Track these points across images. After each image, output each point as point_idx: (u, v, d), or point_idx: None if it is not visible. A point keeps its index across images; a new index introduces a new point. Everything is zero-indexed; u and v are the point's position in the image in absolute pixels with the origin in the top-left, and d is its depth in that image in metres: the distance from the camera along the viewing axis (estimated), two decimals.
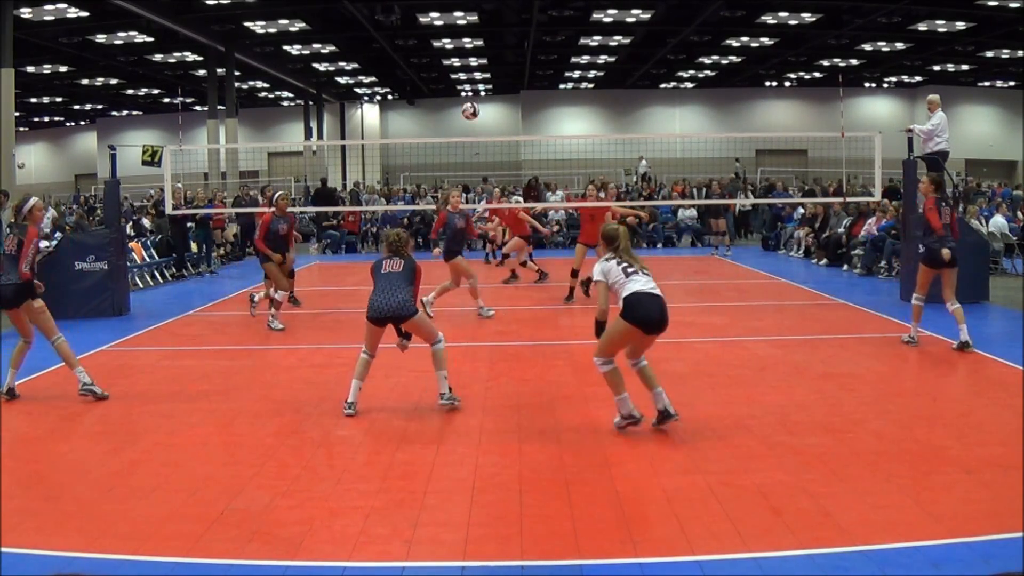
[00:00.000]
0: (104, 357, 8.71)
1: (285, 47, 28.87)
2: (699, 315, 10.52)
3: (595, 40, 28.91)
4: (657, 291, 5.68)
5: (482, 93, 40.89)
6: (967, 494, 4.53)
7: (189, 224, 16.28)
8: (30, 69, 28.93)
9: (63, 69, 30.09)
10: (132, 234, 15.88)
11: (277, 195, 10.83)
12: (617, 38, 28.59)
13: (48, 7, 21.58)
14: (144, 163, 12.39)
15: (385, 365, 8.14)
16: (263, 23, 25.34)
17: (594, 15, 24.82)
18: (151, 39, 25.81)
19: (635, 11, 24.62)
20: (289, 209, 12.10)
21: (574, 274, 11.61)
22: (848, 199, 15.39)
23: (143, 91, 36.90)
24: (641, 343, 5.76)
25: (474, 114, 14.10)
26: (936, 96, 11.99)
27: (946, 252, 8.08)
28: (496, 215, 16.83)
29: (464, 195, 23.51)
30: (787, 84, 38.37)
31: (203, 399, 6.85)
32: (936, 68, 34.18)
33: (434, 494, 4.66)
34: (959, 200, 13.28)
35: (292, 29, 25.94)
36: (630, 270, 5.74)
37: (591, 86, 38.72)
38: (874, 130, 12.42)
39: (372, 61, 31.80)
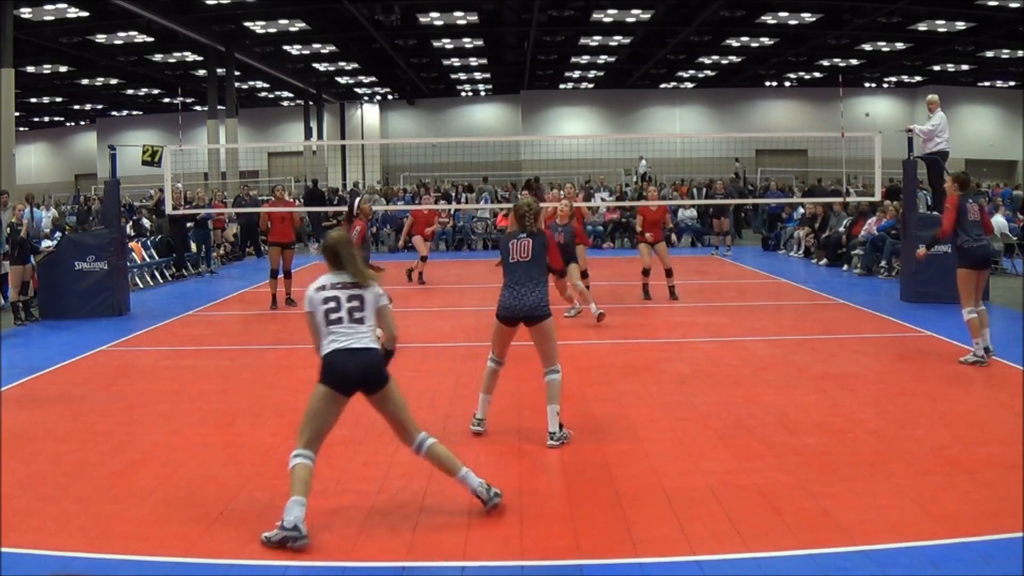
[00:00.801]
0: (104, 357, 8.71)
1: (285, 47, 28.87)
2: (699, 315, 10.53)
3: (595, 40, 28.91)
4: (362, 344, 4.30)
5: (482, 93, 40.90)
6: (967, 494, 4.53)
7: (188, 224, 16.28)
8: (30, 69, 28.91)
9: (63, 69, 30.08)
10: (132, 234, 15.89)
11: (359, 200, 10.30)
12: (617, 38, 28.59)
13: (48, 7, 21.56)
14: (144, 163, 12.39)
15: None
16: (263, 23, 25.32)
17: (594, 15, 24.81)
18: (151, 39, 25.81)
19: (635, 11, 24.61)
20: (285, 209, 12.15)
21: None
22: (848, 200, 15.40)
23: (143, 91, 36.89)
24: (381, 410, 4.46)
25: None
26: (936, 96, 12.00)
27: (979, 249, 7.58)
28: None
29: (466, 195, 23.58)
30: (787, 84, 38.36)
31: (203, 399, 6.85)
32: (936, 68, 34.17)
33: (434, 494, 4.66)
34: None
35: (292, 29, 25.93)
36: (334, 314, 4.31)
37: (591, 86, 38.71)
38: (874, 130, 12.41)
39: (372, 61, 31.79)
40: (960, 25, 25.53)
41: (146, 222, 17.52)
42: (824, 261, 15.97)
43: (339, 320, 4.33)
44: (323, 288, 4.38)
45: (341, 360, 4.27)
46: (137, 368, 8.18)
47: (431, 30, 26.55)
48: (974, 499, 4.46)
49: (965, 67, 33.27)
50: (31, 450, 5.57)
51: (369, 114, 41.21)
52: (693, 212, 21.35)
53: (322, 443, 4.31)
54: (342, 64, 32.74)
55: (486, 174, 27.86)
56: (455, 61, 32.70)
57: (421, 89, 38.31)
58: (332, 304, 4.34)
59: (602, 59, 32.71)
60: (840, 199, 15.90)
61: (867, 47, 29.73)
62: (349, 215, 10.15)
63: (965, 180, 7.85)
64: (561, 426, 5.49)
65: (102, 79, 33.12)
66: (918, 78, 36.65)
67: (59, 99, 37.31)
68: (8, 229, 11.21)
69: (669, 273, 11.46)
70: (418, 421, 6.12)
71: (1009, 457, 5.05)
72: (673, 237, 13.27)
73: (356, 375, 4.30)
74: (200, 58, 28.80)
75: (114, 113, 42.48)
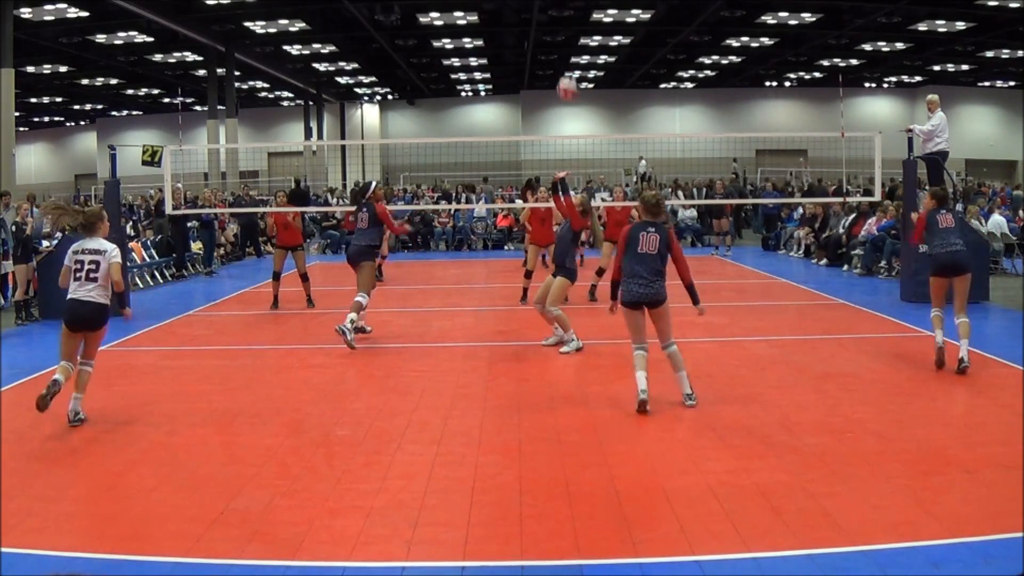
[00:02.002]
0: (104, 357, 8.66)
1: (285, 47, 28.88)
2: (699, 315, 10.51)
3: (595, 40, 28.92)
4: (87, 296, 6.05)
5: (482, 93, 40.91)
6: (967, 494, 4.53)
7: (190, 224, 16.28)
8: (30, 69, 28.92)
9: (63, 69, 30.09)
10: (132, 234, 15.89)
11: (375, 185, 10.29)
12: (617, 38, 28.60)
13: (48, 7, 21.57)
14: (144, 163, 12.40)
15: (385, 365, 8.15)
16: (263, 23, 25.34)
17: (594, 15, 24.82)
18: (151, 39, 25.81)
19: (635, 11, 24.62)
20: (282, 208, 12.15)
21: (528, 275, 11.62)
22: (848, 199, 15.40)
23: (143, 91, 36.90)
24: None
25: (573, 93, 10.47)
26: (936, 96, 11.99)
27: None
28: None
29: (466, 195, 23.56)
30: (787, 84, 38.37)
31: (203, 399, 6.85)
32: (936, 68, 34.18)
33: (434, 494, 4.66)
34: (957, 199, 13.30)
35: (292, 29, 25.94)
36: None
37: (591, 86, 38.70)
38: (874, 130, 12.42)
39: (372, 61, 31.80)
40: (960, 25, 25.54)
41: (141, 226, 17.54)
42: (824, 261, 15.97)
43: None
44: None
45: None
46: (137, 368, 8.18)
47: (431, 30, 26.56)
48: (974, 499, 4.46)
49: (965, 67, 33.28)
50: (31, 450, 5.57)
51: (369, 114, 41.22)
52: (693, 212, 21.34)
53: None
54: (342, 64, 32.75)
55: (486, 174, 27.87)
56: (455, 61, 32.71)
57: (421, 89, 38.32)
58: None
59: (602, 59, 32.71)
60: (841, 199, 15.90)
61: (867, 47, 29.74)
62: (358, 198, 10.42)
63: (943, 197, 8.02)
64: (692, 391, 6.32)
65: (102, 79, 33.13)
66: (918, 78, 36.66)
67: (59, 99, 37.31)
68: (14, 227, 11.23)
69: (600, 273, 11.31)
70: (419, 421, 6.15)
71: (1009, 457, 5.04)
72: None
73: None
74: (200, 58, 28.81)
75: (114, 113, 42.48)
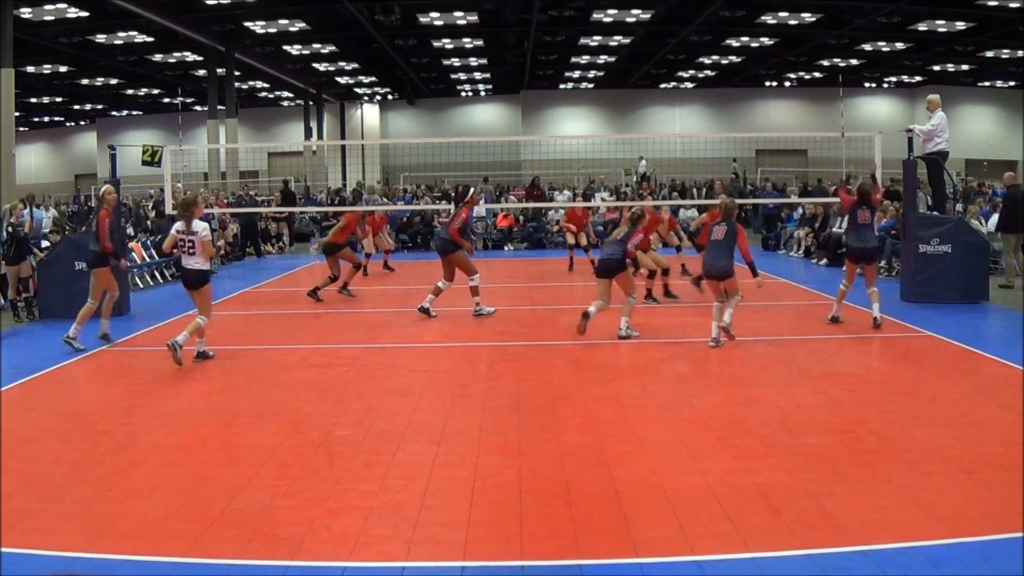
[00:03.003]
0: (104, 357, 8.71)
1: (285, 47, 28.87)
2: (699, 315, 10.51)
3: (595, 40, 28.90)
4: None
5: (482, 93, 40.91)
6: (967, 494, 4.53)
7: None
8: (30, 69, 28.92)
9: (63, 69, 30.08)
10: (132, 234, 15.88)
11: (473, 190, 11.15)
12: (617, 38, 28.58)
13: (48, 7, 21.56)
14: (144, 163, 12.41)
15: (385, 365, 8.16)
16: (263, 23, 25.32)
17: (594, 15, 24.80)
18: (151, 39, 25.81)
19: (635, 11, 24.60)
20: (281, 208, 12.12)
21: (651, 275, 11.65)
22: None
23: (143, 91, 36.89)
24: None
25: None
26: (936, 96, 11.99)
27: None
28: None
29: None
30: (787, 84, 38.36)
31: (203, 399, 6.85)
32: (936, 68, 34.17)
33: (434, 494, 4.66)
34: (957, 198, 13.38)
35: (292, 29, 25.93)
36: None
37: (591, 86, 38.71)
38: (874, 130, 12.42)
39: (372, 61, 31.79)
40: (960, 25, 25.53)
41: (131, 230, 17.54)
42: (824, 261, 15.96)
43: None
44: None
45: None
46: (137, 368, 8.18)
47: (431, 30, 26.55)
48: (974, 499, 4.46)
49: (965, 67, 33.27)
50: (31, 450, 5.57)
51: (369, 114, 41.22)
52: (694, 213, 21.31)
53: None
54: (342, 64, 32.74)
55: (486, 174, 27.86)
56: (455, 61, 32.70)
57: (421, 89, 38.32)
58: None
59: (602, 59, 32.70)
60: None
61: (867, 47, 29.73)
62: (459, 199, 11.30)
63: (865, 193, 9.52)
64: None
65: (102, 79, 33.13)
66: (918, 78, 36.65)
67: (59, 99, 37.31)
68: (11, 228, 11.25)
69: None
70: (419, 421, 6.16)
71: (1009, 457, 5.05)
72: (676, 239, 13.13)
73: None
74: (200, 58, 28.80)
75: (114, 113, 42.48)
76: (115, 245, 9.27)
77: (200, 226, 8.07)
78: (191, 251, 8.07)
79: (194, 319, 8.21)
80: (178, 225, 8.19)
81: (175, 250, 8.47)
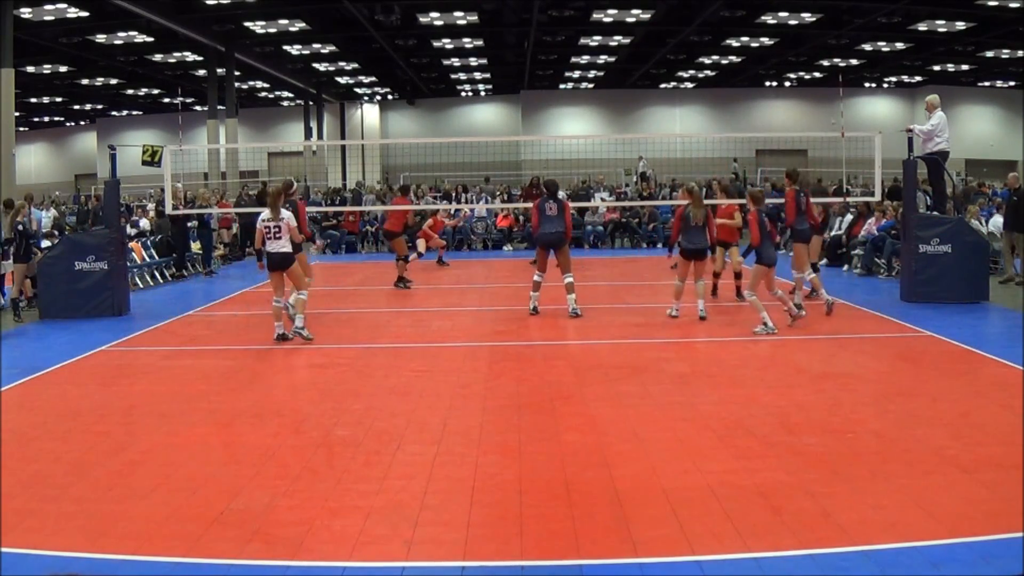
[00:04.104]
0: (104, 357, 8.71)
1: (285, 47, 28.88)
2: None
3: (595, 40, 28.91)
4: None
5: (482, 93, 40.91)
6: (967, 494, 4.53)
7: (190, 224, 16.28)
8: (30, 69, 28.92)
9: (63, 69, 30.09)
10: (131, 234, 15.88)
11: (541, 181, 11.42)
12: (617, 38, 28.59)
13: (48, 7, 21.57)
14: (144, 163, 12.39)
15: (384, 365, 8.16)
16: (263, 23, 25.34)
17: (594, 15, 24.81)
18: (151, 39, 25.82)
19: (635, 11, 24.62)
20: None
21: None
22: (848, 199, 15.40)
23: (143, 91, 36.91)
24: None
25: None
26: (934, 96, 11.99)
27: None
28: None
29: (464, 195, 23.58)
30: (787, 84, 38.37)
31: (203, 399, 6.85)
32: (936, 68, 34.18)
33: (434, 494, 4.66)
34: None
35: (292, 29, 25.94)
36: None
37: (591, 86, 38.71)
38: (874, 130, 12.42)
39: (372, 61, 31.80)
40: (960, 25, 25.54)
41: (145, 222, 17.52)
42: (824, 261, 15.95)
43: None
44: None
45: None
46: (137, 368, 8.18)
47: (431, 30, 26.55)
48: (974, 499, 4.46)
49: (965, 67, 33.28)
50: (31, 450, 5.57)
51: (369, 114, 41.22)
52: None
53: None
54: (342, 64, 32.75)
55: (488, 174, 27.83)
56: (455, 61, 32.70)
57: (421, 89, 38.32)
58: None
59: (602, 59, 32.71)
60: (840, 199, 15.90)
61: (867, 47, 29.74)
62: (554, 193, 11.08)
63: (794, 174, 10.56)
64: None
65: (102, 79, 33.13)
66: (918, 78, 36.66)
67: (59, 99, 37.32)
68: (21, 226, 11.30)
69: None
70: (418, 421, 6.16)
71: (1009, 457, 5.05)
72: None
73: None
74: (200, 58, 28.81)
75: (114, 113, 42.49)
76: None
77: (285, 214, 8.94)
78: (277, 235, 8.81)
79: (296, 296, 9.00)
80: (264, 214, 8.96)
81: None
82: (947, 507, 4.35)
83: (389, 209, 15.16)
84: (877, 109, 36.93)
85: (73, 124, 44.46)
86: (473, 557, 3.89)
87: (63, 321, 10.78)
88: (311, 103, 37.98)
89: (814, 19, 25.30)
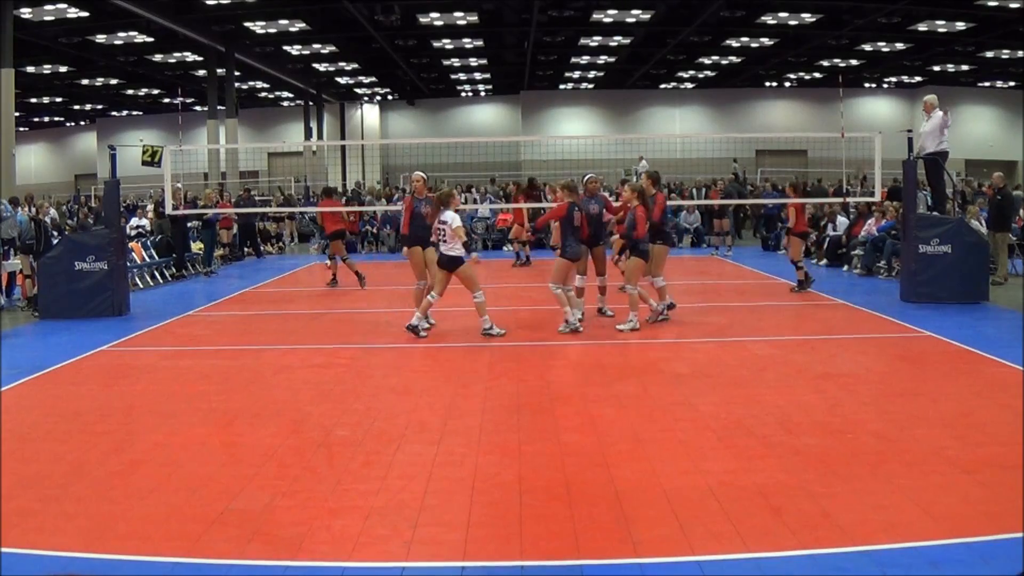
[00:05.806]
0: (104, 357, 8.71)
1: (285, 47, 28.87)
2: (699, 315, 10.52)
3: (595, 40, 28.91)
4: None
5: (482, 93, 40.90)
6: (966, 494, 4.53)
7: (190, 224, 16.28)
8: (30, 69, 28.92)
9: (63, 69, 30.09)
10: (131, 234, 15.89)
11: (588, 178, 11.00)
12: (617, 38, 28.59)
13: (48, 7, 21.57)
14: (144, 163, 12.40)
15: (384, 365, 8.16)
16: (263, 23, 25.33)
17: (594, 15, 24.81)
18: (151, 39, 25.80)
19: (635, 11, 24.62)
20: (283, 208, 12.12)
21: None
22: (848, 199, 15.40)
23: (143, 91, 36.90)
24: None
25: None
26: (933, 96, 12.01)
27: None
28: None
29: (466, 195, 23.59)
30: (787, 84, 38.37)
31: (203, 399, 6.85)
32: (936, 68, 34.17)
33: (434, 494, 4.66)
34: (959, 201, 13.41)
35: (292, 29, 25.94)
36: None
37: (591, 86, 38.71)
38: (874, 130, 12.42)
39: (372, 61, 31.80)
40: (960, 25, 25.54)
41: (144, 222, 17.53)
42: (824, 261, 15.97)
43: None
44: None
45: None
46: (137, 368, 8.18)
47: (431, 30, 26.55)
48: (974, 499, 4.46)
49: (965, 67, 33.27)
50: (31, 450, 5.57)
51: (369, 114, 41.21)
52: (697, 216, 21.30)
53: None
54: (342, 64, 32.74)
55: (491, 174, 27.88)
56: (455, 61, 32.70)
57: (421, 89, 38.31)
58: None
59: (602, 59, 32.70)
60: (840, 199, 15.90)
61: (867, 47, 29.73)
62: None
63: (571, 187, 9.94)
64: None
65: (102, 79, 33.13)
66: (918, 78, 36.65)
67: (59, 99, 37.31)
68: (33, 223, 11.40)
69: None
70: (419, 421, 6.16)
71: (1009, 457, 5.04)
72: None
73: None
74: (200, 58, 28.81)
75: (114, 113, 42.48)
76: (416, 230, 9.69)
77: (449, 216, 8.94)
78: (444, 239, 8.99)
79: (425, 297, 9.29)
80: (441, 215, 9.13)
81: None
82: (947, 507, 4.35)
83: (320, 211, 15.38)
84: (877, 109, 36.92)
85: (73, 124, 44.45)
86: (473, 557, 3.89)
87: (63, 321, 10.78)
88: (311, 103, 37.98)
89: (814, 19, 25.30)
